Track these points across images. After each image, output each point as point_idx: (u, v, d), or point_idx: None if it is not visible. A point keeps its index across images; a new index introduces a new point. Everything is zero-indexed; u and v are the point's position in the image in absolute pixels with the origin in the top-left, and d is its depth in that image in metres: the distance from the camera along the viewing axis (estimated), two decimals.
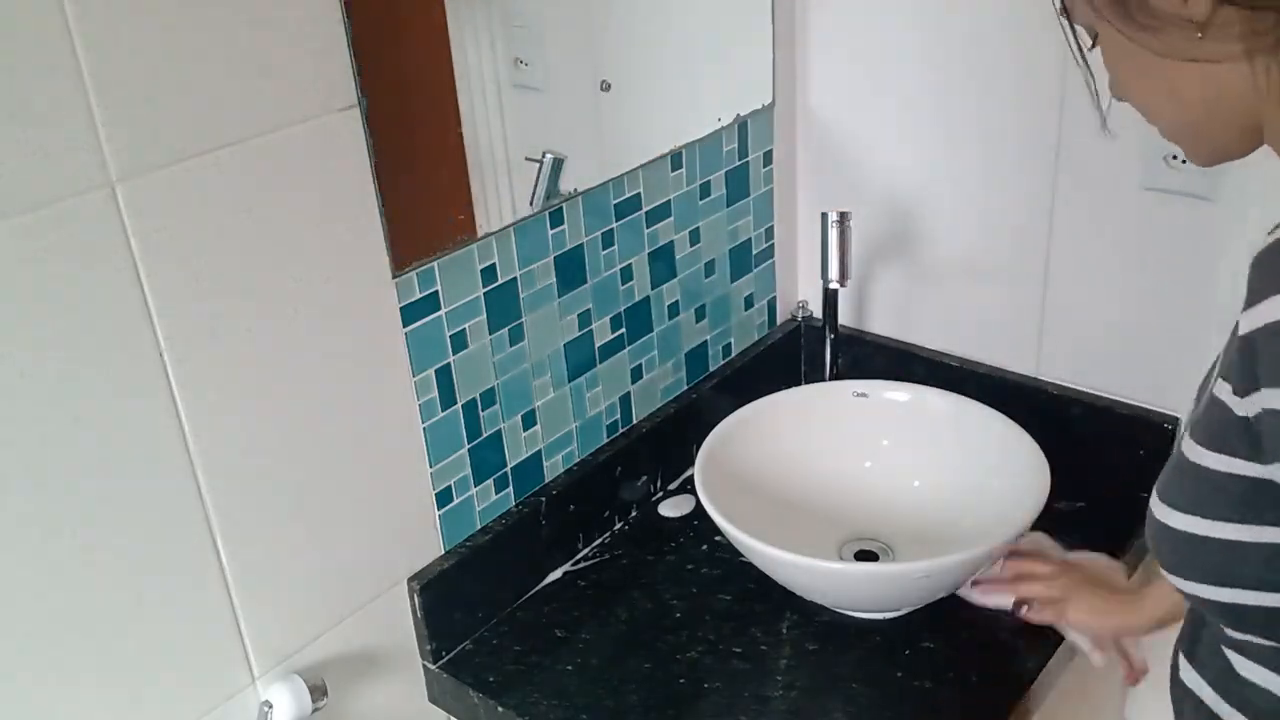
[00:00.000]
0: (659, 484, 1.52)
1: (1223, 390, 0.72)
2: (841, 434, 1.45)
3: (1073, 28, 0.77)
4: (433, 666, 1.28)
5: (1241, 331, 0.69)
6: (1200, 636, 0.85)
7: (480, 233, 1.22)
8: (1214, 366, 0.78)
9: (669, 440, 1.50)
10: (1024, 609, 1.19)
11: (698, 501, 1.31)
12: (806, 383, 1.68)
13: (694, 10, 1.41)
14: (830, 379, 1.56)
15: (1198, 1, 0.67)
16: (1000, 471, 1.33)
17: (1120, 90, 0.77)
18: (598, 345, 1.40)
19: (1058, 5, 0.77)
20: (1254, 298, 0.69)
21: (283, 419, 1.08)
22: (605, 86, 1.36)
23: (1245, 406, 0.69)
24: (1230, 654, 0.81)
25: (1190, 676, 0.86)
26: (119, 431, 0.96)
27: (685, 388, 1.55)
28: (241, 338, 1.02)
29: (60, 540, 0.94)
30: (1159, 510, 0.78)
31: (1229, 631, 0.79)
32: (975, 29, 1.40)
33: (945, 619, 1.27)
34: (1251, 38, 0.67)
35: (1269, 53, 0.68)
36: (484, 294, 1.24)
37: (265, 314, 1.04)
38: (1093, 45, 0.77)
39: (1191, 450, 0.75)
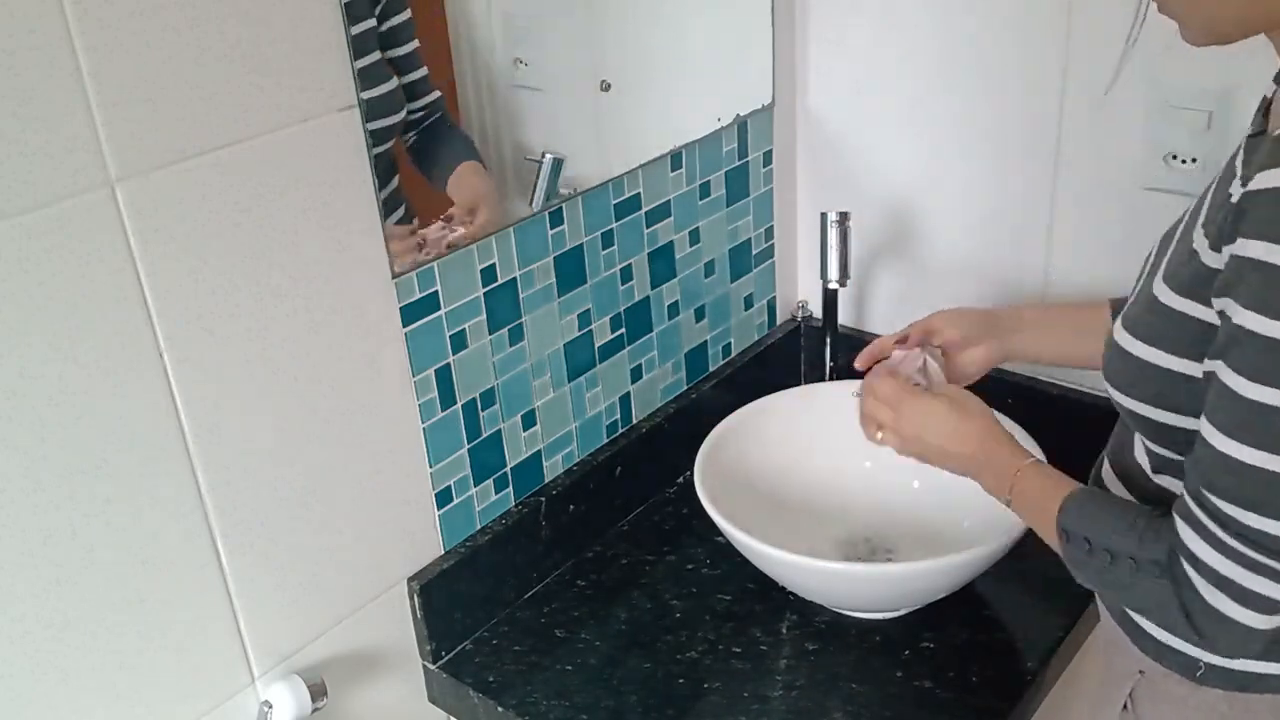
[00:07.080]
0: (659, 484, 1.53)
1: (1201, 245, 0.84)
2: (841, 434, 1.44)
3: None
4: (432, 666, 1.28)
5: (1235, 199, 0.80)
6: (1124, 450, 1.00)
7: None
8: (1179, 222, 0.93)
9: (669, 440, 1.50)
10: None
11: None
12: (806, 383, 1.68)
13: (694, 11, 1.42)
14: (830, 379, 1.56)
15: None
16: None
17: None
18: (597, 345, 1.40)
19: None
20: (1251, 170, 0.80)
21: (282, 419, 1.08)
22: (605, 86, 1.36)
23: (1218, 260, 0.81)
24: (1141, 459, 0.97)
25: (1109, 477, 1.02)
26: (119, 432, 0.96)
27: (685, 388, 1.55)
28: (241, 338, 1.02)
29: (60, 540, 0.94)
30: (1121, 337, 0.91)
31: (1149, 444, 0.95)
32: (975, 29, 1.40)
33: (945, 619, 1.27)
34: None
35: None
36: (484, 294, 1.24)
37: (265, 314, 1.04)
38: None
39: (1162, 293, 0.88)
